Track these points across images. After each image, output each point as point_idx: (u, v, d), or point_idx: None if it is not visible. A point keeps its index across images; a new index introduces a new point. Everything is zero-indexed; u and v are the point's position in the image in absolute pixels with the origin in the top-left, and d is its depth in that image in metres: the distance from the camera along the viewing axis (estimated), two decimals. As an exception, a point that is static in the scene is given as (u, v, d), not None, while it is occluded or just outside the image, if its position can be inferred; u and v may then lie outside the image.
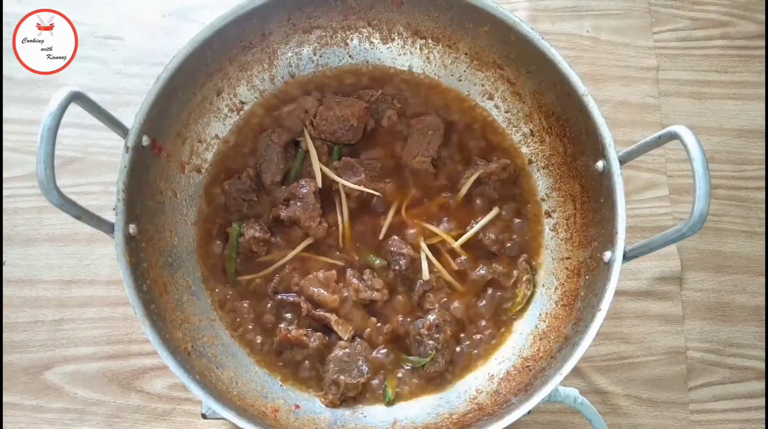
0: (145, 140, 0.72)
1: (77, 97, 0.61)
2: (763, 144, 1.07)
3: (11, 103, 1.03)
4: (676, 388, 0.96)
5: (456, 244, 0.87)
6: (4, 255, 0.97)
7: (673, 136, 0.63)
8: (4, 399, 0.92)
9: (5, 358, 0.93)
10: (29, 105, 1.03)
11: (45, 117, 0.58)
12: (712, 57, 1.13)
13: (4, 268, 0.97)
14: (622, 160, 0.71)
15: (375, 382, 0.83)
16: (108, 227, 0.67)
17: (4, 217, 0.99)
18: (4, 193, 1.00)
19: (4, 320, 0.95)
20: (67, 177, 1.00)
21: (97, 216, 0.65)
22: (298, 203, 0.85)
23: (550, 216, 0.88)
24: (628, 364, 0.97)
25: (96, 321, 0.95)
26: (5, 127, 1.02)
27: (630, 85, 1.10)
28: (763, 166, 1.06)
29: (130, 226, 0.69)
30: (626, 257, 0.68)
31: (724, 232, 1.04)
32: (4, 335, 0.94)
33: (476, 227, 0.87)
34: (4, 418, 0.91)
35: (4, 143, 1.02)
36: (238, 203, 0.88)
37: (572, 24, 1.13)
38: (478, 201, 0.90)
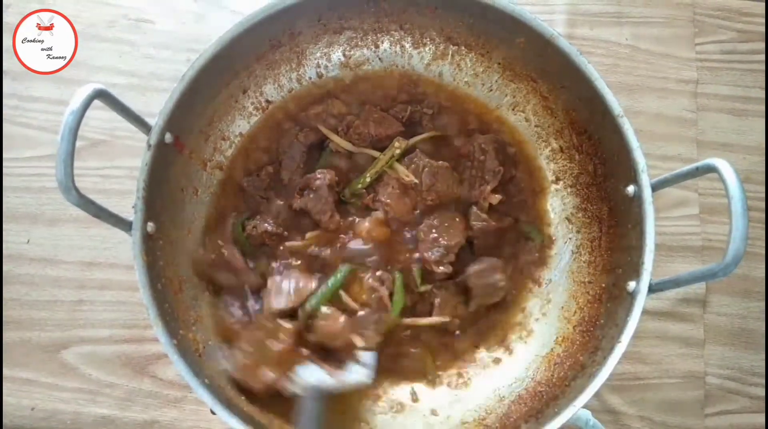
0: (168, 138, 0.71)
1: (101, 95, 0.61)
2: (803, 167, 1.03)
3: (40, 81, 1.03)
4: (691, 413, 0.94)
5: None
6: (29, 233, 0.98)
7: (711, 169, 0.61)
8: (22, 375, 0.94)
9: (25, 334, 0.95)
10: (58, 84, 1.03)
11: (66, 115, 0.58)
12: (756, 72, 1.08)
13: (28, 246, 0.98)
14: (654, 187, 0.69)
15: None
16: (126, 226, 0.67)
17: (30, 195, 1.00)
18: (31, 171, 1.01)
19: (26, 297, 0.96)
20: (93, 159, 1.01)
21: (116, 214, 0.65)
22: (311, 195, 0.84)
23: (578, 232, 0.87)
24: (644, 386, 0.95)
25: (114, 304, 0.96)
26: (33, 105, 1.03)
27: (667, 97, 1.06)
28: (801, 191, 1.02)
29: (149, 224, 0.69)
30: (651, 290, 0.66)
31: (755, 256, 1.00)
32: (25, 312, 0.95)
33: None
34: (21, 394, 0.93)
35: (32, 122, 1.02)
36: (255, 200, 0.87)
37: (611, 30, 1.09)
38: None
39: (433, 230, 0.85)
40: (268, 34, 0.77)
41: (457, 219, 0.86)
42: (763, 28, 1.09)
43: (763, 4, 1.11)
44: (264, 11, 0.72)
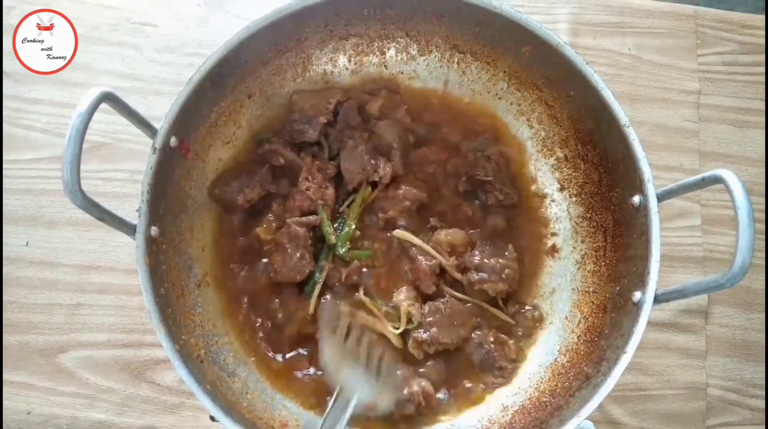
0: (173, 141, 0.71)
1: (108, 98, 0.60)
2: (805, 179, 1.04)
3: (43, 83, 1.03)
4: (692, 424, 0.94)
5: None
6: (28, 236, 0.97)
7: (717, 180, 0.61)
8: (19, 378, 0.93)
9: (22, 337, 0.94)
10: (61, 87, 1.03)
11: (74, 118, 0.57)
12: (757, 84, 1.09)
13: (27, 249, 0.97)
14: (660, 198, 0.69)
15: None
16: (130, 229, 0.66)
17: (30, 197, 0.99)
18: (32, 173, 1.00)
19: (24, 300, 0.95)
20: (95, 162, 1.00)
21: (120, 218, 0.64)
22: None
23: (582, 242, 0.87)
24: (645, 396, 0.95)
25: (112, 308, 0.95)
26: (36, 108, 1.02)
27: (669, 107, 1.07)
28: (802, 203, 1.03)
29: (152, 228, 0.69)
30: (657, 300, 0.66)
31: (756, 268, 1.00)
32: (23, 315, 0.95)
33: None
34: (18, 398, 0.92)
35: (34, 124, 1.02)
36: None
37: (614, 40, 1.09)
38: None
39: None
40: (275, 39, 0.77)
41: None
42: (763, 41, 1.10)
43: (763, 17, 1.12)
44: (271, 16, 0.72)
